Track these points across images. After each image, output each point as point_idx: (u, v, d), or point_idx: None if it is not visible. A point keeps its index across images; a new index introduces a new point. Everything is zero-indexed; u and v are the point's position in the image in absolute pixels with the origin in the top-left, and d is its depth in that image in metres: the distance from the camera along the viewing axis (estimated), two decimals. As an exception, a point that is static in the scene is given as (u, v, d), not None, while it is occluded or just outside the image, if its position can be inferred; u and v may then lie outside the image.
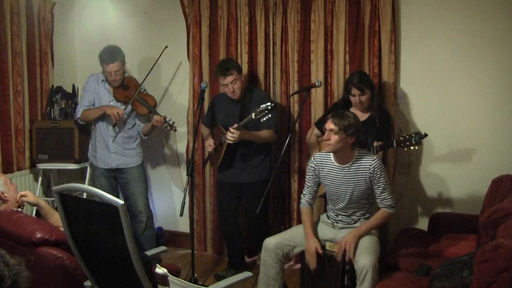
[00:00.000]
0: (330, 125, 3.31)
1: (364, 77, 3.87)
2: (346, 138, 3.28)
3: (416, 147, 3.53)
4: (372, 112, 3.87)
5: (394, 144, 3.59)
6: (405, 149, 3.63)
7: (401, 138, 3.55)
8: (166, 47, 4.55)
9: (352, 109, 3.92)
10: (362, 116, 3.88)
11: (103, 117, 4.44)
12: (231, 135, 3.89)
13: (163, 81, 5.08)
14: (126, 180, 4.57)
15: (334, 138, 3.29)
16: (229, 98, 4.23)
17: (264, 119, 3.73)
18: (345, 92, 3.93)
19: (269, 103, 3.70)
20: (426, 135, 3.51)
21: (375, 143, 3.76)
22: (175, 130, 4.43)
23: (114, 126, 4.38)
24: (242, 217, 4.54)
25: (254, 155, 4.20)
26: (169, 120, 4.33)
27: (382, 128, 3.83)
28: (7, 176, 3.52)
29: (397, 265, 3.43)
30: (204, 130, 4.50)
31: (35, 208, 4.15)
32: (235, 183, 4.28)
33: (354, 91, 3.81)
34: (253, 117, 3.77)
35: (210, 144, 4.25)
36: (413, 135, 3.50)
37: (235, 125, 3.89)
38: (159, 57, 4.51)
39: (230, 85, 4.09)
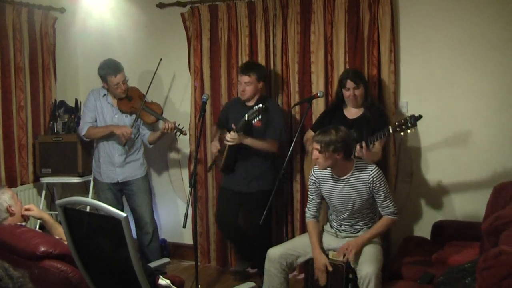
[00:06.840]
0: (314, 145, 3.36)
1: (358, 71, 3.94)
2: (333, 155, 3.31)
3: (413, 130, 3.44)
4: (365, 109, 3.90)
5: (391, 131, 3.49)
6: (402, 134, 3.49)
7: (396, 123, 3.47)
8: (161, 59, 4.56)
9: (346, 109, 3.95)
10: (356, 113, 3.92)
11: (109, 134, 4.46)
12: (230, 137, 3.96)
13: (165, 92, 5.12)
14: (132, 192, 4.58)
15: (321, 156, 3.33)
16: (241, 104, 4.28)
17: (256, 119, 3.79)
18: (339, 87, 3.94)
19: (260, 105, 3.76)
20: (421, 116, 3.41)
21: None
22: (185, 134, 4.46)
23: (124, 145, 4.42)
24: (245, 227, 4.54)
25: (255, 164, 4.22)
26: (178, 125, 4.37)
27: (377, 125, 3.80)
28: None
29: (400, 274, 3.43)
30: (214, 131, 4.56)
31: (38, 221, 4.17)
32: (236, 191, 4.30)
33: (349, 84, 3.83)
34: (246, 118, 3.83)
35: (215, 145, 4.32)
36: (408, 118, 3.41)
37: (234, 127, 3.96)
38: (156, 69, 4.52)
39: (243, 84, 4.18)
